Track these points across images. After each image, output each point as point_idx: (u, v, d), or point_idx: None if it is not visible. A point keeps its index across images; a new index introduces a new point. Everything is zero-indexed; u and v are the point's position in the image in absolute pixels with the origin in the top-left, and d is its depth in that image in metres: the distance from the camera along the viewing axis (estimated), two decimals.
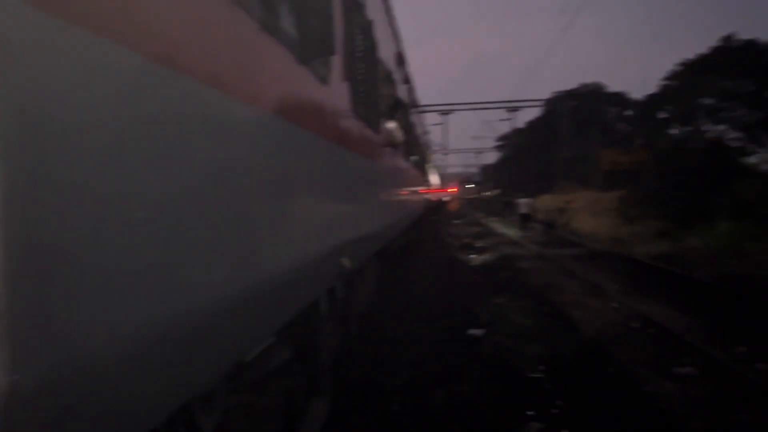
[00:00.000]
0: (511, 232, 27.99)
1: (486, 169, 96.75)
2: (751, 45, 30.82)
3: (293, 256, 2.75)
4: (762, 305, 9.79)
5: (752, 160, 30.15)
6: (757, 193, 21.31)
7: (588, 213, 30.26)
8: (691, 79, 32.31)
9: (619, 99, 52.24)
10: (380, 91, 6.37)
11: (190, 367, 1.76)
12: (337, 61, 3.77)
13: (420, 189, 16.43)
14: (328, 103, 3.55)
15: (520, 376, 6.75)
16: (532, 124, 58.83)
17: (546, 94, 61.29)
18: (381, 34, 6.50)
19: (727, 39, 31.14)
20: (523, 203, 30.38)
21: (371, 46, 5.60)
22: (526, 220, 29.47)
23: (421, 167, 17.03)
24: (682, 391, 6.42)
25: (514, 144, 59.51)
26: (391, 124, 7.11)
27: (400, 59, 9.54)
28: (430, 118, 50.30)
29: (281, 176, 2.58)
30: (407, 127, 10.30)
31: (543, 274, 14.71)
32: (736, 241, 16.90)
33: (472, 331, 8.67)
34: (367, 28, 5.23)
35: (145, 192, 1.48)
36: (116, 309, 1.34)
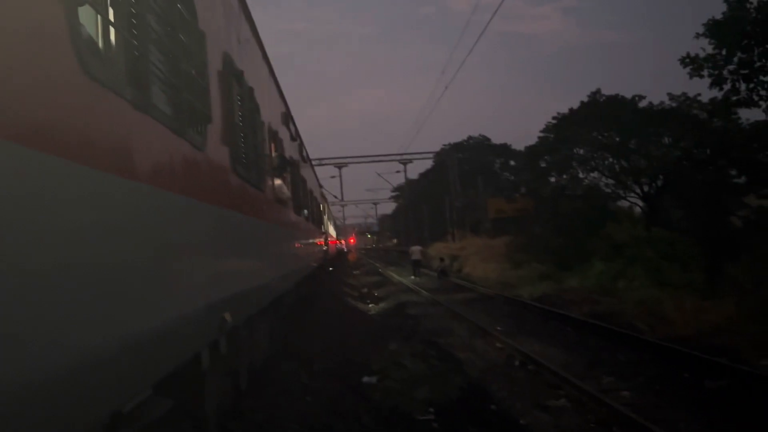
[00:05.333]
0: (407, 280, 28.69)
1: (383, 220, 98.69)
2: (614, 100, 33.68)
3: (171, 311, 2.94)
4: (622, 339, 10.82)
5: (623, 204, 32.82)
6: (625, 235, 23.27)
7: (478, 259, 31.70)
8: (565, 131, 34.74)
9: (504, 150, 55.47)
10: (264, 150, 6.64)
11: (65, 418, 1.90)
12: (214, 129, 4.01)
13: (315, 241, 16.64)
14: (204, 169, 3.78)
15: (410, 420, 7.02)
16: (424, 176, 60.94)
17: (436, 146, 63.94)
18: (264, 97, 6.82)
19: (594, 94, 33.92)
20: (416, 251, 31.70)
21: (253, 111, 5.89)
22: (417, 266, 30.62)
23: (316, 220, 17.29)
24: (555, 422, 6.97)
25: (408, 195, 61.35)
26: (277, 181, 7.37)
27: (287, 118, 9.89)
28: (328, 171, 50.94)
29: (155, 238, 2.79)
30: (296, 183, 10.58)
31: (434, 319, 15.25)
32: (607, 280, 18.40)
33: (366, 379, 8.88)
34: (247, 94, 5.53)
35: (30, 253, 1.68)
36: None
